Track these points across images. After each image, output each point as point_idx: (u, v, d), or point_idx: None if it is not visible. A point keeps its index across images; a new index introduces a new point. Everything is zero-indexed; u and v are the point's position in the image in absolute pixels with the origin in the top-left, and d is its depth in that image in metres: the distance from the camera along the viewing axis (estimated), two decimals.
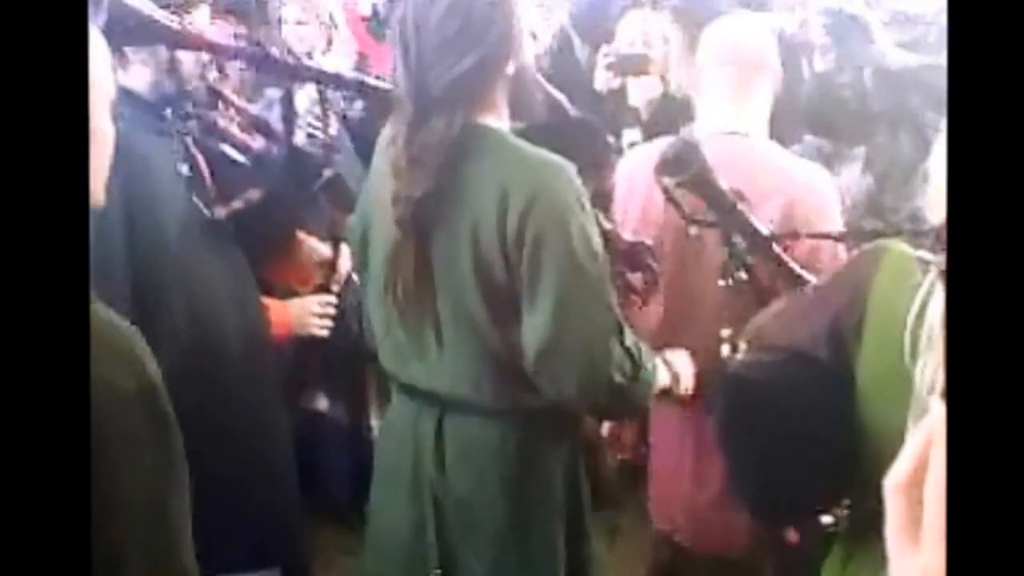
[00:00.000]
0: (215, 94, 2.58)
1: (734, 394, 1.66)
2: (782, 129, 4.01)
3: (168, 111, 2.48)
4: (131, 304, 2.19)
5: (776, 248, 2.25)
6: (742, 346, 1.85)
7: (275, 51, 2.40)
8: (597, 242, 1.92)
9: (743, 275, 2.23)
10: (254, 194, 2.55)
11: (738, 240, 2.22)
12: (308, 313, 2.83)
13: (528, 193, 1.86)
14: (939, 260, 1.32)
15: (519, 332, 1.92)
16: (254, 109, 2.79)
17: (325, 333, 2.86)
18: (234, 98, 2.67)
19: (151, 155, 2.38)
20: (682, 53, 4.25)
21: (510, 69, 1.98)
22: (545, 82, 2.21)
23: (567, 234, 1.87)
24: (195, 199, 2.46)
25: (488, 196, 1.89)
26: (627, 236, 2.33)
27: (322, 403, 3.40)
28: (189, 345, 2.37)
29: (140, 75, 2.43)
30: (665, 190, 2.23)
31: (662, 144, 2.32)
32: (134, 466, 1.18)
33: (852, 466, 1.51)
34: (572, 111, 2.22)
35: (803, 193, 2.51)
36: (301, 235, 2.87)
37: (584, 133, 2.19)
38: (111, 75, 1.35)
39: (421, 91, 1.92)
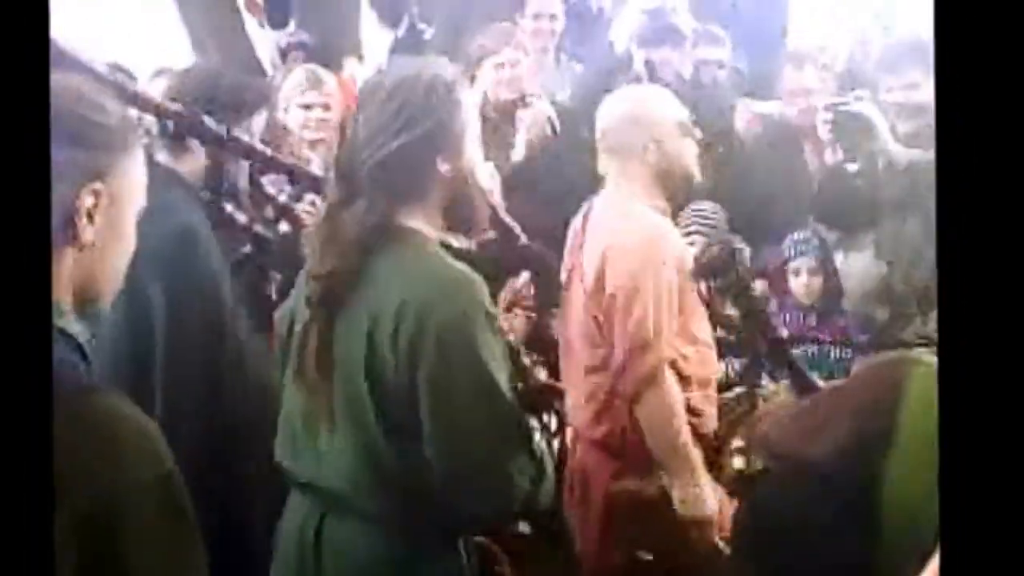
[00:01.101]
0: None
1: (750, 513, 1.62)
2: (788, 215, 4.04)
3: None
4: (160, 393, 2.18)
5: (790, 353, 2.25)
6: (754, 458, 1.81)
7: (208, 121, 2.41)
8: (497, 356, 1.85)
9: (764, 383, 2.23)
10: None
11: (761, 346, 2.22)
12: None
13: (427, 308, 1.81)
14: None
15: (404, 438, 1.86)
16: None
17: None
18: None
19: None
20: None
21: (444, 167, 1.91)
22: (497, 204, 2.15)
23: (454, 351, 1.80)
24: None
25: (389, 300, 1.83)
26: (540, 377, 2.27)
27: None
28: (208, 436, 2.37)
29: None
30: (700, 293, 2.24)
31: (699, 247, 2.39)
32: (153, 556, 1.19)
33: None
34: (523, 239, 2.15)
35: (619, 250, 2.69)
36: None
37: (535, 264, 2.13)
38: (144, 185, 1.38)
39: (350, 170, 1.90)
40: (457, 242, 1.97)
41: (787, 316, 3.74)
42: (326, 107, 3.87)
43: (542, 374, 2.01)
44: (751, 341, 2.20)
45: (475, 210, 1.98)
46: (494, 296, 2.00)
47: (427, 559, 1.92)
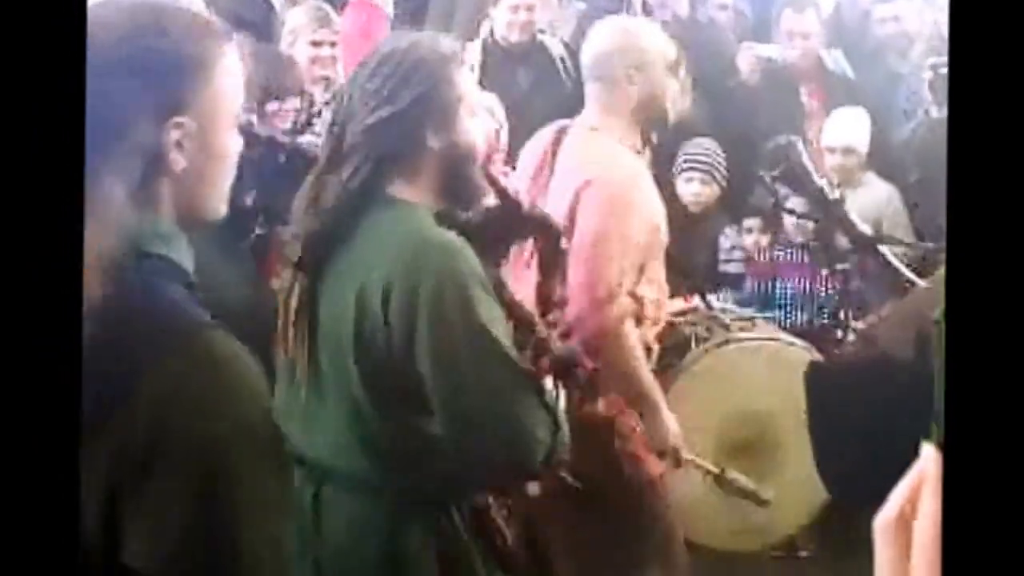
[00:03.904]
0: None
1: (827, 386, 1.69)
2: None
3: None
4: None
5: (883, 248, 2.27)
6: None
7: None
8: (495, 316, 1.84)
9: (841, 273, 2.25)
10: None
11: (840, 238, 2.25)
12: None
13: (416, 274, 1.80)
14: None
15: (394, 406, 1.86)
16: None
17: None
18: None
19: None
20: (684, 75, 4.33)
21: (433, 142, 1.89)
22: (497, 174, 2.10)
23: (451, 317, 1.80)
24: None
25: (376, 268, 1.83)
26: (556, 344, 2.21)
27: None
28: None
29: None
30: (762, 181, 2.26)
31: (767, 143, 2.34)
32: (259, 492, 1.18)
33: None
34: (526, 206, 2.11)
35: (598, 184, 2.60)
36: None
37: (539, 230, 2.08)
38: (240, 89, 1.34)
39: (339, 135, 1.90)
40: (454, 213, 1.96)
41: (779, 252, 3.81)
42: (333, 44, 3.89)
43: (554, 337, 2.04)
44: (826, 229, 2.25)
45: (471, 186, 1.96)
46: (498, 263, 2.01)
47: (421, 524, 1.92)
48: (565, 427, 1.90)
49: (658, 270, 2.72)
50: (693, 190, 3.94)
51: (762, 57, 4.54)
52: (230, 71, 1.31)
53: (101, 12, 1.22)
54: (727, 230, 4.02)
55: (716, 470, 2.87)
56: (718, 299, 3.77)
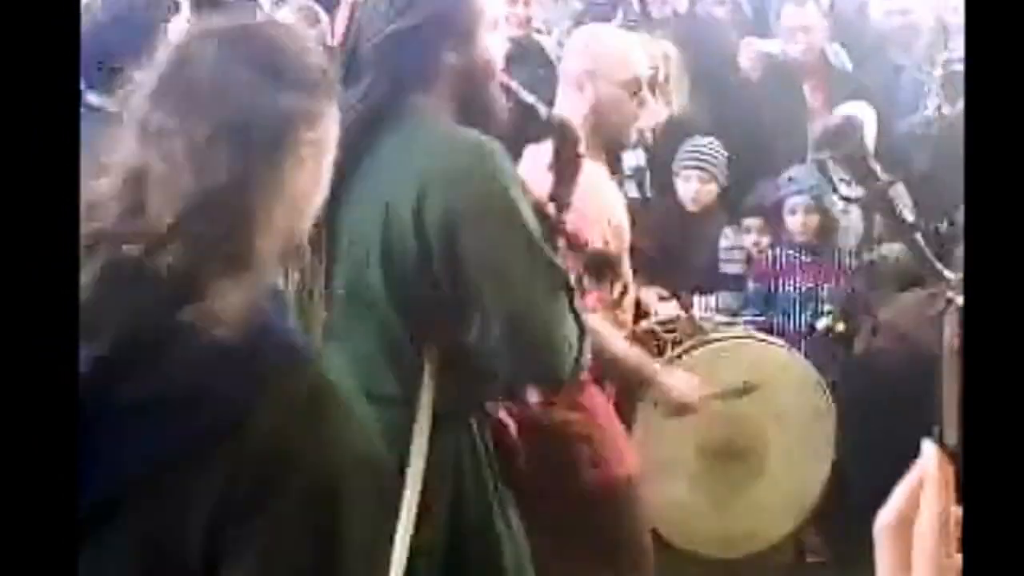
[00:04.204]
0: None
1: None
2: (786, 153, 4.03)
3: None
4: None
5: (918, 237, 2.26)
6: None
7: None
8: (529, 218, 1.82)
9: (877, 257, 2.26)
10: None
11: (879, 221, 2.25)
12: None
13: (455, 179, 1.79)
14: None
15: (417, 319, 1.85)
16: None
17: None
18: None
19: None
20: (680, 73, 4.27)
21: (450, 56, 1.86)
22: (515, 86, 2.04)
23: (497, 218, 1.79)
24: None
25: (406, 179, 1.80)
26: (594, 243, 2.22)
27: None
28: None
29: None
30: (819, 162, 2.24)
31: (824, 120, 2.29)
32: (365, 534, 1.17)
33: None
34: (544, 112, 2.07)
35: None
36: None
37: (557, 134, 2.04)
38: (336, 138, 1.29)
39: (354, 49, 1.87)
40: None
41: (781, 253, 3.74)
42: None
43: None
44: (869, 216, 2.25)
45: (489, 100, 1.93)
46: (514, 162, 1.97)
47: (442, 436, 1.90)
48: (588, 337, 1.89)
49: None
50: (692, 188, 3.87)
51: (763, 53, 4.47)
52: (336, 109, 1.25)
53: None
54: (727, 230, 3.94)
55: (742, 386, 2.81)
56: (715, 300, 3.73)
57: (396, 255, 1.82)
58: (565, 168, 2.02)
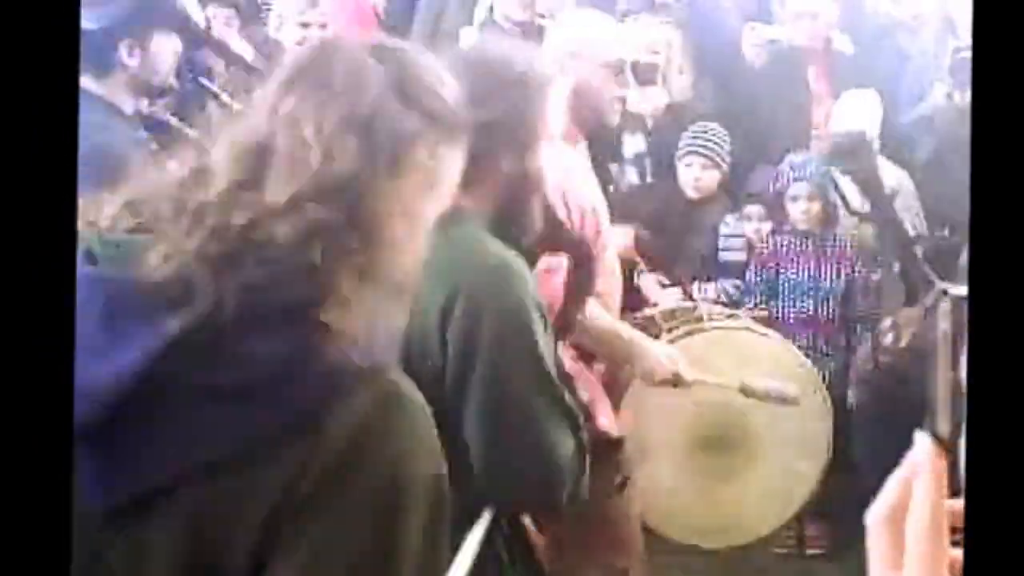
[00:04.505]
0: None
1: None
2: (789, 139, 4.00)
3: None
4: None
5: (916, 250, 2.27)
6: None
7: None
8: (549, 345, 1.82)
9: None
10: None
11: (887, 235, 2.25)
12: None
13: (481, 297, 1.76)
14: None
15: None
16: None
17: None
18: None
19: None
20: (684, 60, 4.24)
21: (505, 164, 1.82)
22: (555, 203, 2.04)
23: (521, 345, 1.78)
24: None
25: (436, 287, 1.75)
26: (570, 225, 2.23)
27: None
28: None
29: None
30: (832, 179, 2.25)
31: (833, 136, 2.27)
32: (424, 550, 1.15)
33: None
34: (567, 227, 2.08)
35: None
36: None
37: (573, 250, 2.06)
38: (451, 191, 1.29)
39: None
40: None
41: (782, 240, 3.72)
42: (323, 26, 3.84)
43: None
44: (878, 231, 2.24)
45: (529, 214, 1.89)
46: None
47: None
48: (587, 469, 1.87)
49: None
50: (694, 175, 3.84)
51: (767, 39, 4.43)
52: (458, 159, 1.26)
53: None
54: (728, 217, 3.92)
55: (732, 384, 2.73)
56: (715, 288, 3.71)
57: (415, 361, 1.72)
58: (578, 288, 2.05)
